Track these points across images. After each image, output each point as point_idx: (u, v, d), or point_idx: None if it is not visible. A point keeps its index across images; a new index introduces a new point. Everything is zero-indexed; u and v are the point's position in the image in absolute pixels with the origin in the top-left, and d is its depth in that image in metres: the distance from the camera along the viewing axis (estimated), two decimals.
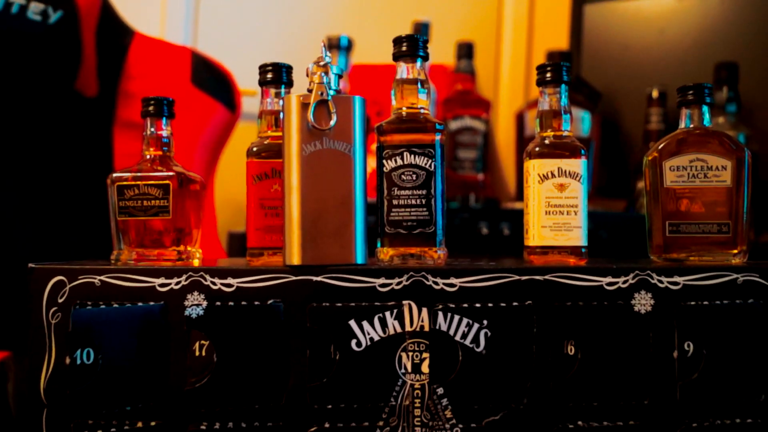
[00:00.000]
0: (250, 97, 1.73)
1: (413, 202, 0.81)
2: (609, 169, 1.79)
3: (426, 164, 0.81)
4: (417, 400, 0.78)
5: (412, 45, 0.82)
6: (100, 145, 1.41)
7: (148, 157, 0.88)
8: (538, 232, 0.85)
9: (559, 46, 1.82)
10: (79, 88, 1.37)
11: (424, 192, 0.81)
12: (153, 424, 0.77)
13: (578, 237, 0.84)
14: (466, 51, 1.73)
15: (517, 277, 0.79)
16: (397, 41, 0.83)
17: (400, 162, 0.81)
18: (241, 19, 1.92)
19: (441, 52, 1.75)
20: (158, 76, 1.47)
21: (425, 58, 0.83)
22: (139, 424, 0.77)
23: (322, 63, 0.78)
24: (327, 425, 0.78)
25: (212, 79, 1.53)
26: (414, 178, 0.81)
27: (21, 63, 1.29)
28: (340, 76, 0.79)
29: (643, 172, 0.90)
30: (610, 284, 0.80)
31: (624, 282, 0.80)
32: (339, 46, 1.64)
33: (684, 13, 1.73)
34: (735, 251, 0.85)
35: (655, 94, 1.65)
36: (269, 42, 1.91)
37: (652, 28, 1.76)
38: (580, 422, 0.79)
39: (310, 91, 0.78)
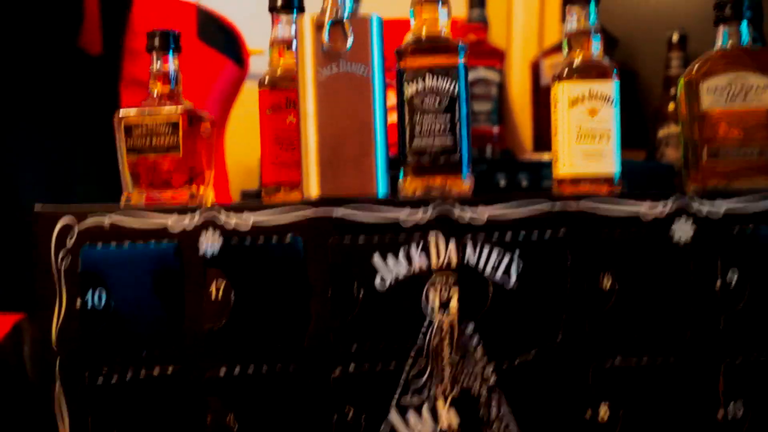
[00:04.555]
0: (257, 56, 1.69)
1: (437, 128, 0.76)
2: (627, 119, 1.74)
3: (450, 87, 0.76)
4: (446, 339, 0.74)
5: None
6: (106, 104, 1.37)
7: (155, 93, 0.84)
8: (569, 160, 0.80)
9: None
10: (83, 46, 1.33)
11: (448, 117, 0.76)
12: (170, 369, 0.73)
13: (611, 164, 0.80)
14: None
15: (550, 206, 0.74)
16: None
17: (421, 86, 0.76)
18: None
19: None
20: None
21: None
22: (156, 370, 0.73)
23: None
24: (352, 366, 0.74)
25: (219, 34, 1.50)
26: (437, 102, 0.76)
27: (20, 18, 1.26)
28: None
29: (678, 97, 0.85)
30: (648, 212, 0.75)
31: (663, 209, 0.75)
32: None
33: None
34: None
35: (675, 37, 1.60)
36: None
37: None
38: (618, 358, 0.75)
39: (323, 12, 0.73)
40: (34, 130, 1.31)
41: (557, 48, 1.65)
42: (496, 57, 1.70)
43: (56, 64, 1.31)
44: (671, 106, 1.59)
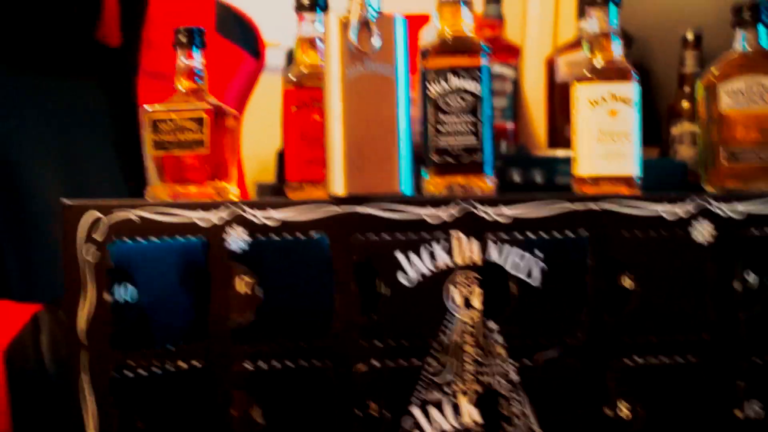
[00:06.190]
0: (273, 48, 1.69)
1: (460, 128, 0.77)
2: (641, 117, 1.74)
3: (473, 89, 0.77)
4: (469, 336, 0.75)
5: None
6: (124, 96, 1.38)
7: (181, 90, 0.85)
8: (589, 161, 0.81)
9: None
10: (101, 38, 1.33)
11: (471, 118, 0.77)
12: (196, 363, 0.74)
13: (631, 165, 0.81)
14: None
15: (572, 207, 0.75)
16: None
17: (445, 87, 0.77)
18: None
19: None
20: (182, 24, 1.43)
21: None
22: (182, 364, 0.74)
23: None
24: (375, 362, 0.75)
25: (237, 27, 1.50)
26: (461, 103, 0.77)
27: (40, 10, 1.26)
28: None
29: (696, 100, 0.86)
30: (668, 213, 0.76)
31: (683, 210, 0.76)
32: None
33: None
34: None
35: (690, 36, 1.59)
36: None
37: None
38: (637, 357, 0.76)
39: (350, 12, 0.74)
40: (53, 123, 1.31)
41: (573, 45, 1.66)
42: (512, 53, 1.71)
43: (76, 56, 1.31)
44: (685, 104, 1.59)
